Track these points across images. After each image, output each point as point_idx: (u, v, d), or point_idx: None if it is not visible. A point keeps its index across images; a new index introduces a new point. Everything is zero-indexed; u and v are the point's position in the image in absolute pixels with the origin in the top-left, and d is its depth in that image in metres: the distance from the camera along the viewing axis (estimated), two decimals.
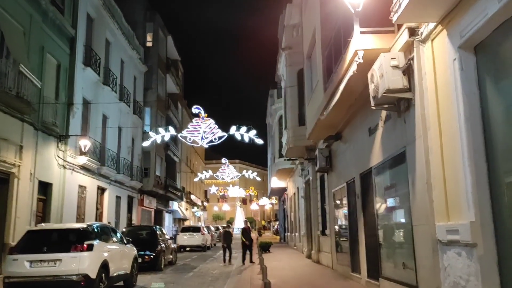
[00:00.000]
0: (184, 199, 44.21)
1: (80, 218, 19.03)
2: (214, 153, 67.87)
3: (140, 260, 14.49)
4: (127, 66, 26.17)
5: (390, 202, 7.93)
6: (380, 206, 8.59)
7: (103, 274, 9.09)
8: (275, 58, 37.30)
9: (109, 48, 23.08)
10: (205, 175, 35.84)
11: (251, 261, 16.99)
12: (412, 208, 6.77)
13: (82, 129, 19.06)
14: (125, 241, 11.08)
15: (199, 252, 26.12)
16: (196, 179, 41.46)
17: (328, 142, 12.70)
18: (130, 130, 26.40)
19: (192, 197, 49.33)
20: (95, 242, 8.99)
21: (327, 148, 13.80)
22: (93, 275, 8.61)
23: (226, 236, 18.32)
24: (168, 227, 37.48)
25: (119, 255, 10.25)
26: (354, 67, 7.41)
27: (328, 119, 11.19)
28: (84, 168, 19.02)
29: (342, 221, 12.58)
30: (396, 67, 6.58)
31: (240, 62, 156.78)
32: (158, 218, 33.61)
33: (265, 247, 22.61)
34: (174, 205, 39.65)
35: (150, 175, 29.35)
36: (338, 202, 13.01)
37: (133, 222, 26.90)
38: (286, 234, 33.10)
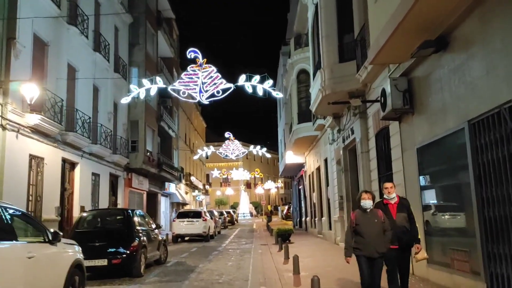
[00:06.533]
0: (183, 181, 38.89)
1: (36, 200, 13.86)
2: (215, 135, 62.47)
3: (105, 263, 9.32)
4: (105, 10, 20.53)
5: None
6: None
7: None
8: (286, 16, 31.70)
9: None
10: (206, 152, 30.42)
11: None
12: None
13: (33, 77, 13.63)
14: (50, 237, 5.74)
15: (201, 243, 20.91)
16: (196, 157, 36.01)
17: (417, 53, 7.20)
18: (111, 92, 20.94)
19: (193, 179, 43.97)
20: None
21: (405, 78, 8.40)
22: None
23: (369, 225, 5.85)
24: (164, 212, 32.32)
25: (23, 267, 4.92)
26: None
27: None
28: (37, 131, 13.67)
29: (446, 195, 7.25)
30: None
31: (248, 25, 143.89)
32: (152, 202, 28.35)
33: (284, 236, 17.40)
34: (171, 188, 34.31)
35: (138, 149, 23.91)
36: (433, 165, 7.65)
37: (118, 206, 21.67)
38: (304, 219, 27.85)
